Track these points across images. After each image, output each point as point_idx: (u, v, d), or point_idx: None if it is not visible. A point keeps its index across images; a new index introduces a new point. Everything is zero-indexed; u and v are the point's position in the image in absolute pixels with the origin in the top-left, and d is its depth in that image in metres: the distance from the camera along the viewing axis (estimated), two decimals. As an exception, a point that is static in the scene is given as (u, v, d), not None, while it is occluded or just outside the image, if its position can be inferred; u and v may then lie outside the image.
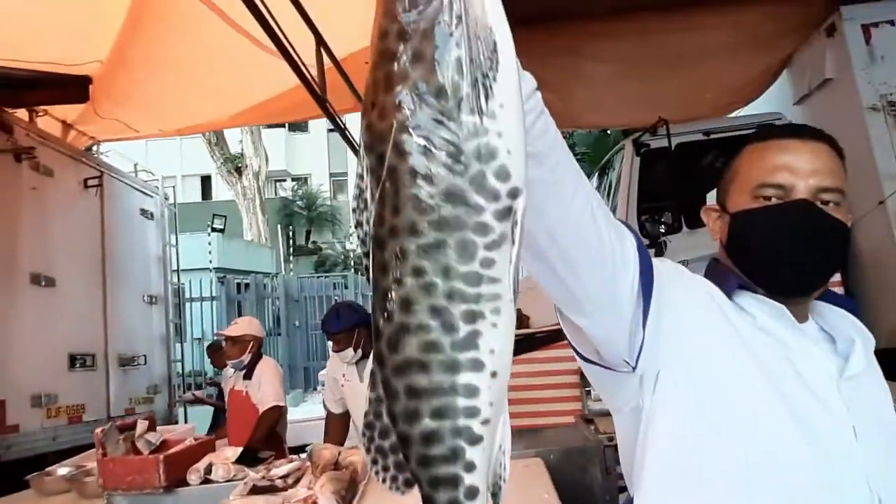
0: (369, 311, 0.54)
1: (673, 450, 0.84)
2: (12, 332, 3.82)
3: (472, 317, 0.47)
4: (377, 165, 0.48)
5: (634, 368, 0.82)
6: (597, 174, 6.53)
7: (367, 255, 0.51)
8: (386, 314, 0.49)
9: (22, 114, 4.30)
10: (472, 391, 0.48)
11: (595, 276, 0.74)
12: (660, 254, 4.49)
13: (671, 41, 4.34)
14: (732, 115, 5.00)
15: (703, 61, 4.49)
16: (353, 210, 0.52)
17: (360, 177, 0.51)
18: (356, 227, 0.52)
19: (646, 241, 4.80)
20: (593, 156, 11.28)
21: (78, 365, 4.37)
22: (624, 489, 1.00)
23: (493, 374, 0.49)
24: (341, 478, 1.80)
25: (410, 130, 0.47)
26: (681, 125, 4.56)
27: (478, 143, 0.46)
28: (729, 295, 0.89)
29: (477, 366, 0.48)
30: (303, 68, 2.25)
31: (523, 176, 0.48)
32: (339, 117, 2.89)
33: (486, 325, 0.48)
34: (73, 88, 4.23)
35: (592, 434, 2.38)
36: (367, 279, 0.51)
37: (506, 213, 0.48)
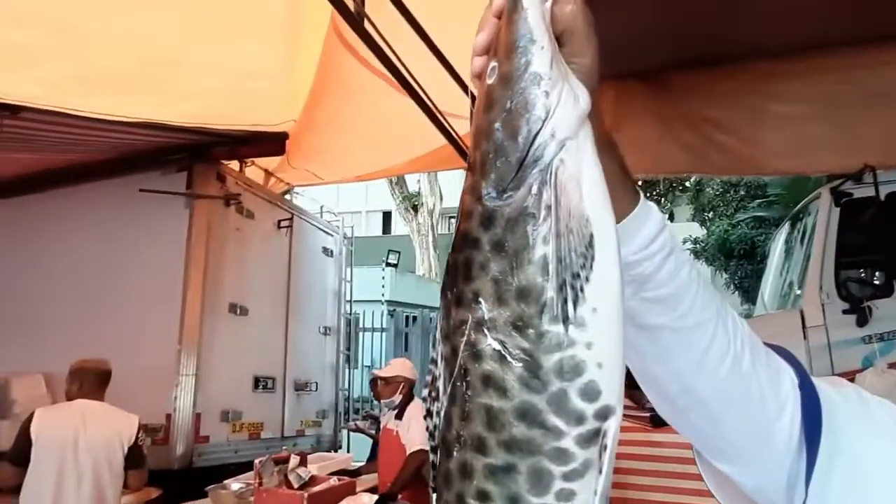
0: None
1: None
2: (212, 354, 4.41)
3: None
4: (451, 357, 0.44)
5: None
6: (788, 221, 5.85)
7: (434, 450, 0.47)
8: None
9: (234, 165, 5.04)
10: None
11: (741, 431, 0.63)
12: (863, 321, 3.85)
13: (871, 78, 3.79)
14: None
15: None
16: (424, 398, 0.49)
17: (434, 362, 0.47)
18: (426, 417, 0.48)
19: (846, 306, 4.18)
20: (789, 197, 10.11)
21: (260, 387, 4.91)
22: None
23: None
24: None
25: (486, 331, 0.42)
26: (891, 173, 3.93)
27: (560, 358, 0.41)
28: None
29: None
30: (451, 131, 2.34)
31: (618, 392, 0.42)
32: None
33: None
34: (273, 143, 4.86)
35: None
36: (429, 477, 0.47)
37: (592, 438, 0.41)
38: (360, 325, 10.17)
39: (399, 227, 20.65)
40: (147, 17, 2.67)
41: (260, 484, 2.31)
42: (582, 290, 0.41)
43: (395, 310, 11.49)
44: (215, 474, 3.96)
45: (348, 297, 6.66)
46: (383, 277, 11.74)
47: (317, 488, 2.33)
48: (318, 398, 5.80)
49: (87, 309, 4.47)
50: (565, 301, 0.41)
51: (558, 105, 0.43)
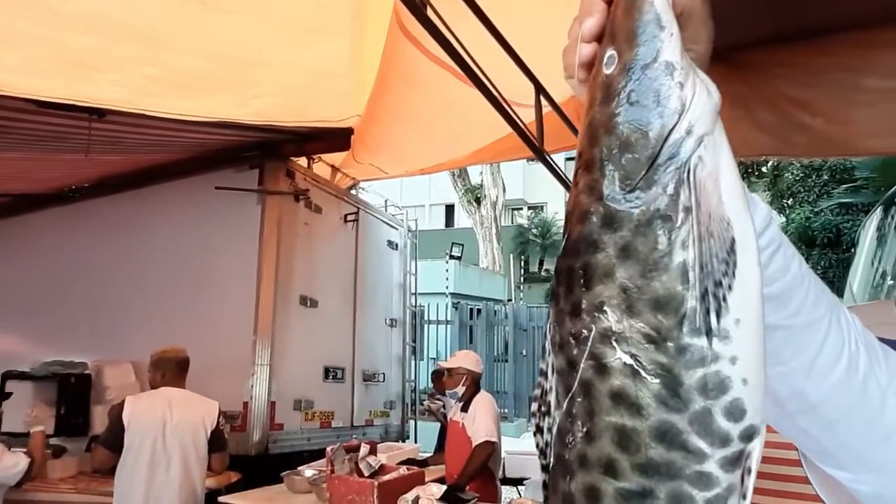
0: None
1: None
2: (285, 345, 4.56)
3: None
4: (567, 370, 0.41)
5: None
6: (881, 206, 5.45)
7: (545, 469, 0.44)
8: None
9: (302, 161, 5.18)
10: None
11: (858, 436, 0.59)
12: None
13: None
14: None
15: None
16: (533, 413, 0.46)
17: (543, 374, 0.44)
18: (535, 433, 0.45)
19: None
20: (880, 181, 9.42)
21: (331, 377, 5.04)
22: None
23: None
24: (533, 541, 1.76)
25: (614, 344, 0.38)
26: None
27: (704, 374, 0.37)
28: None
29: None
30: (518, 121, 2.30)
31: (762, 411, 0.38)
32: (556, 165, 2.88)
33: None
34: (339, 139, 4.96)
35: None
36: (545, 498, 0.44)
37: (736, 460, 0.37)
38: (425, 318, 10.27)
39: (462, 219, 20.69)
40: (221, 21, 2.77)
41: (332, 471, 2.37)
42: (725, 299, 0.37)
43: (459, 302, 11.53)
44: (289, 461, 4.10)
45: (413, 290, 6.73)
46: (447, 270, 11.81)
47: (387, 477, 2.36)
48: (386, 389, 5.90)
49: (171, 302, 4.72)
50: (707, 311, 0.37)
51: (694, 97, 0.39)
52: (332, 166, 5.68)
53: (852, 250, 7.67)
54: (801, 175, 12.35)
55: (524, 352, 11.85)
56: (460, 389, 3.73)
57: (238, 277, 4.55)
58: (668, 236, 0.38)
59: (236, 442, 4.22)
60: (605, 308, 0.38)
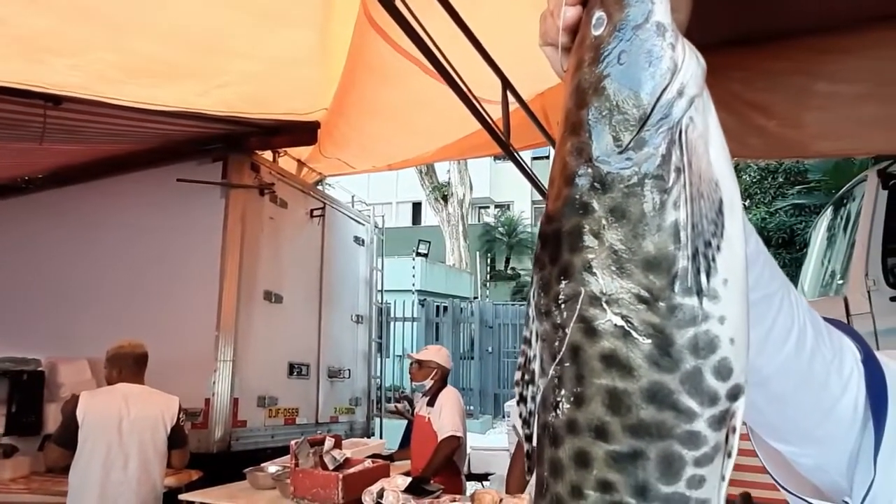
0: None
1: None
2: (248, 341, 4.49)
3: None
4: (552, 334, 0.40)
5: None
6: (831, 207, 5.66)
7: (529, 439, 0.43)
8: None
9: (267, 155, 5.10)
10: None
11: (803, 410, 0.61)
12: (910, 307, 3.72)
13: (931, 54, 3.61)
14: None
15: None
16: (516, 382, 0.45)
17: (527, 342, 0.43)
18: (519, 402, 0.45)
19: (893, 293, 4.04)
20: (831, 184, 9.79)
21: (295, 373, 4.98)
22: None
23: None
24: (498, 528, 1.78)
25: (604, 306, 0.38)
26: (946, 154, 3.76)
27: (695, 333, 0.37)
28: None
29: None
30: (486, 116, 2.32)
31: (746, 369, 0.39)
32: (522, 160, 2.91)
33: None
34: (306, 133, 4.90)
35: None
36: (529, 468, 0.43)
37: (723, 419, 0.38)
38: (392, 315, 10.23)
39: (429, 217, 20.69)
40: (184, 5, 2.70)
41: (296, 465, 2.35)
42: (714, 259, 0.38)
43: (425, 299, 11.54)
44: (252, 458, 4.04)
45: (379, 287, 6.70)
46: (413, 267, 11.80)
47: (352, 470, 2.35)
48: (352, 385, 5.86)
49: (130, 297, 4.59)
50: (698, 271, 0.37)
51: (685, 58, 0.39)
52: (298, 161, 5.61)
53: (805, 250, 7.94)
54: (758, 177, 12.75)
55: (490, 349, 11.92)
56: (428, 382, 3.74)
57: (201, 272, 4.46)
58: (660, 196, 0.38)
59: (198, 439, 4.13)
60: (595, 270, 0.38)
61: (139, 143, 4.51)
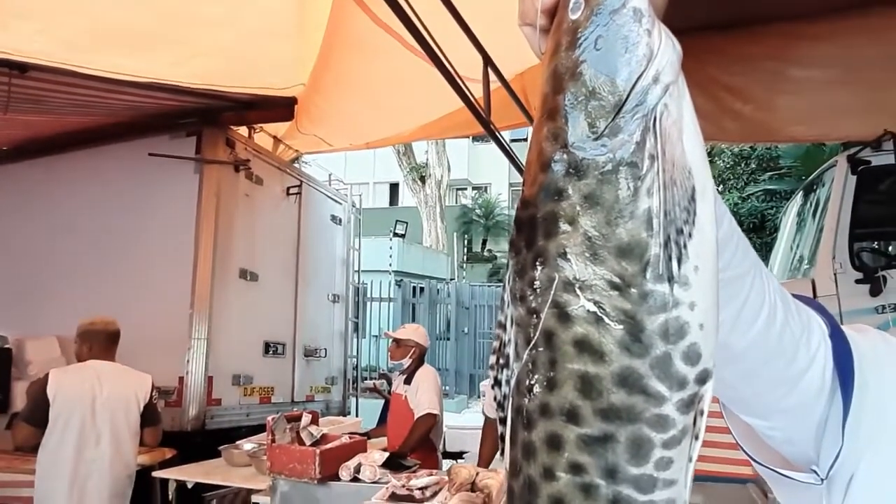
0: None
1: None
2: (223, 319, 4.44)
3: None
4: (526, 319, 0.41)
5: (824, 480, 0.67)
6: (801, 192, 5.78)
7: (503, 422, 0.44)
8: None
9: (243, 131, 5.01)
10: None
11: (773, 384, 0.63)
12: (877, 290, 3.83)
13: (901, 42, 3.68)
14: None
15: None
16: (491, 366, 0.45)
17: (502, 326, 0.44)
18: (493, 386, 0.45)
19: (859, 275, 4.15)
20: (802, 170, 9.98)
21: (271, 352, 4.95)
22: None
23: None
24: (473, 500, 1.80)
25: (577, 292, 0.38)
26: (913, 140, 3.86)
27: (665, 319, 0.38)
28: None
29: None
30: (467, 92, 2.30)
31: (714, 355, 0.40)
32: (502, 137, 2.90)
33: None
34: (282, 108, 4.82)
35: (763, 496, 2.09)
36: (502, 451, 0.44)
37: (690, 403, 0.39)
38: (368, 295, 10.21)
39: (406, 199, 20.60)
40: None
41: (273, 440, 2.34)
42: (685, 246, 0.38)
43: (402, 280, 11.53)
44: (227, 436, 4.02)
45: (356, 267, 6.67)
46: (391, 248, 11.76)
47: (329, 445, 2.36)
48: (328, 365, 5.85)
49: (100, 274, 4.49)
50: (670, 258, 0.38)
51: (661, 45, 0.40)
52: (275, 137, 5.51)
53: (775, 235, 8.11)
54: (732, 163, 12.94)
55: (466, 330, 12.00)
56: (406, 361, 3.75)
57: (174, 248, 4.38)
58: (633, 183, 0.38)
59: (171, 417, 4.10)
60: (569, 256, 0.38)
61: (109, 116, 4.38)
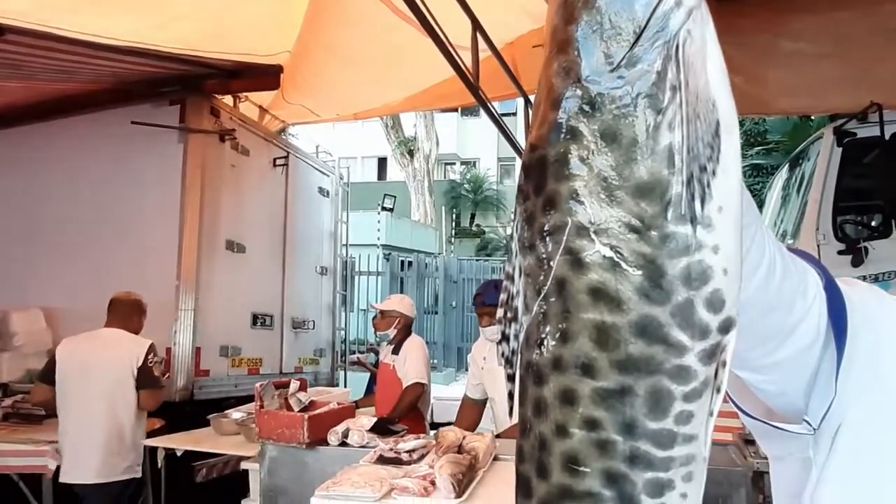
0: None
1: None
2: (210, 291, 4.41)
3: (660, 488, 0.37)
4: (538, 270, 0.38)
5: (815, 430, 0.67)
6: (787, 166, 5.81)
7: (511, 378, 0.42)
8: (540, 468, 0.38)
9: (228, 100, 4.92)
10: None
11: (768, 336, 0.62)
12: (858, 261, 3.89)
13: (892, 15, 3.68)
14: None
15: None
16: (499, 319, 0.42)
17: (509, 277, 0.41)
18: (501, 341, 0.43)
19: (841, 246, 4.20)
20: (789, 145, 10.02)
21: (259, 324, 4.94)
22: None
23: None
24: (461, 461, 1.83)
25: (593, 236, 0.36)
26: (898, 111, 3.87)
27: (687, 263, 0.35)
28: None
29: None
30: (456, 57, 2.27)
31: (738, 302, 0.37)
32: (492, 107, 2.88)
33: (674, 497, 0.37)
34: (268, 77, 4.73)
35: (744, 458, 2.14)
36: (510, 410, 0.42)
37: (713, 353, 0.37)
38: (357, 269, 10.20)
39: (394, 173, 20.45)
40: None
41: (261, 406, 2.36)
42: (709, 185, 0.36)
43: (390, 254, 11.53)
44: (216, 407, 4.02)
45: (344, 240, 6.63)
46: (379, 222, 11.72)
47: (317, 411, 2.37)
48: (316, 337, 5.86)
49: (85, 245, 4.44)
50: (692, 198, 0.35)
51: None
52: (260, 107, 5.42)
53: (761, 210, 8.16)
54: (720, 138, 12.94)
55: (454, 304, 12.05)
56: (392, 332, 3.76)
57: (160, 219, 4.33)
58: (654, 117, 0.35)
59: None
60: (583, 199, 0.36)
61: (90, 82, 4.28)
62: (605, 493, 0.36)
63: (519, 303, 0.40)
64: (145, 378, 3.26)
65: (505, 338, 0.42)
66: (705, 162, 0.35)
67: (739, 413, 0.76)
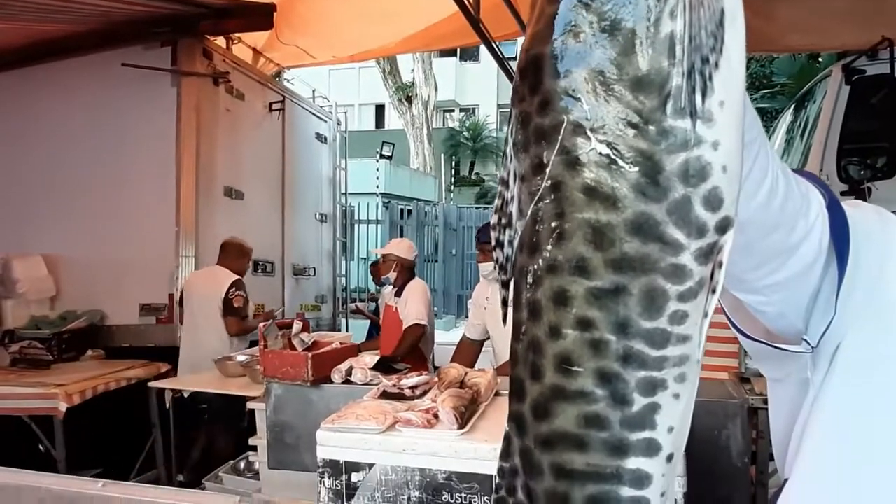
0: None
1: (842, 428, 0.70)
2: (209, 237, 4.40)
3: (652, 387, 0.37)
4: (532, 172, 0.37)
5: (814, 348, 0.67)
6: (792, 108, 5.71)
7: (506, 285, 0.41)
8: (533, 370, 0.38)
9: (220, 42, 4.78)
10: (641, 480, 0.38)
11: (770, 256, 0.61)
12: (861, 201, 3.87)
13: (909, -58, 3.53)
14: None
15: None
16: (493, 226, 0.41)
17: (504, 182, 0.40)
18: (495, 248, 0.42)
19: (845, 187, 4.16)
20: (795, 88, 9.81)
21: (260, 270, 4.96)
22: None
23: (669, 458, 0.38)
24: (463, 395, 1.86)
25: (589, 133, 0.35)
26: (912, 48, 3.75)
27: (686, 159, 0.34)
28: None
29: (651, 449, 0.38)
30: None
31: (737, 201, 0.36)
32: (495, 43, 2.80)
33: (666, 396, 0.37)
34: (261, 16, 4.57)
35: (739, 392, 2.19)
36: (504, 317, 0.42)
37: (709, 253, 0.36)
38: (356, 217, 10.17)
39: (392, 121, 20.14)
40: None
41: (265, 346, 2.39)
42: (711, 77, 0.34)
43: (389, 202, 11.48)
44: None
45: (343, 188, 6.58)
46: (377, 170, 11.61)
47: (320, 350, 2.41)
48: (317, 283, 5.90)
49: (82, 192, 4.40)
50: (693, 90, 0.34)
51: None
52: (254, 49, 5.28)
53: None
54: (724, 81, 12.69)
55: (454, 251, 12.08)
56: (392, 275, 3.79)
57: (157, 165, 4.28)
58: (655, 4, 0.33)
59: (164, 334, 4.16)
60: (579, 95, 0.34)
61: (78, 24, 4.15)
62: (598, 391, 0.36)
63: (513, 208, 0.40)
64: (228, 307, 3.80)
65: (499, 244, 0.41)
66: (708, 53, 0.34)
67: (739, 335, 0.76)
